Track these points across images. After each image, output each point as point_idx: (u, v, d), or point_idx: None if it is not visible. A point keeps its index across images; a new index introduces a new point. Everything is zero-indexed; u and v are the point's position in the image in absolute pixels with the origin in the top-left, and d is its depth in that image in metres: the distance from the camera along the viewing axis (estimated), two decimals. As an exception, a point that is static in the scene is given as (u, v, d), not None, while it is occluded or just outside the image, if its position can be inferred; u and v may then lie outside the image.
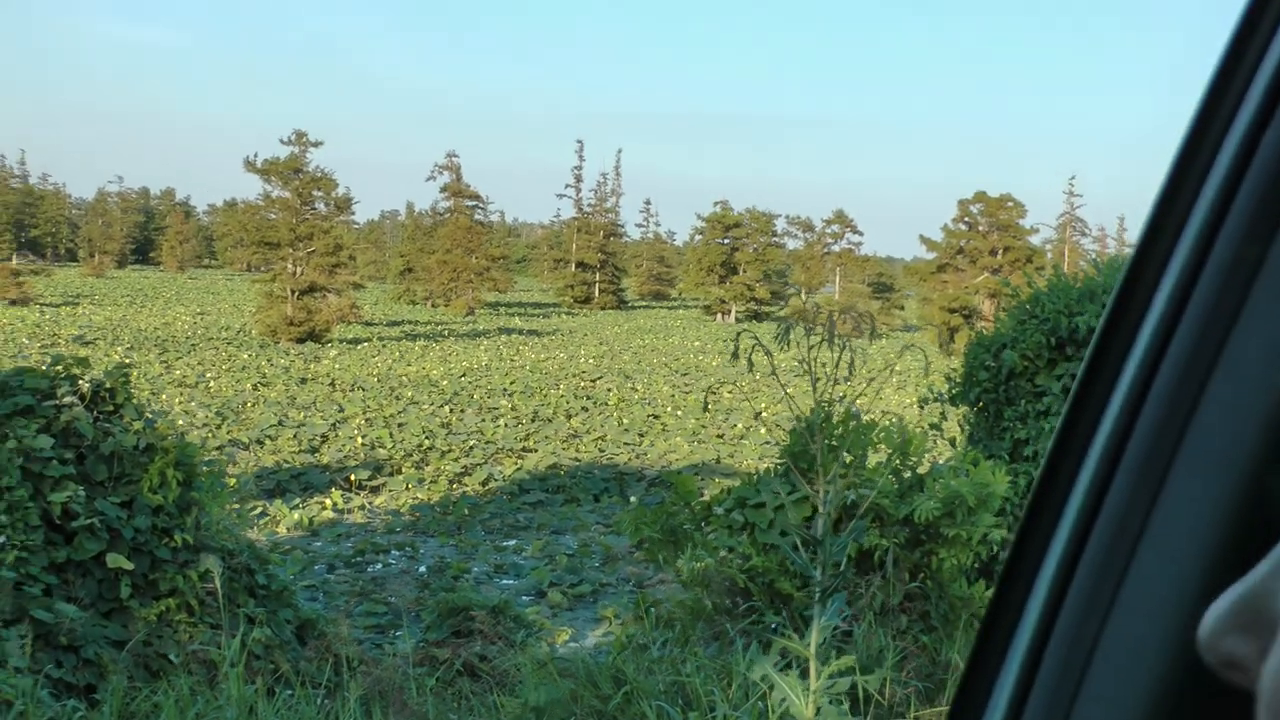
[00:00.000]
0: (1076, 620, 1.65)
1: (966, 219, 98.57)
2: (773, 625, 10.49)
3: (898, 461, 11.29)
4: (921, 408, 15.80)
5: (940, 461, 12.79)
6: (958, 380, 16.36)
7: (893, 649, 9.92)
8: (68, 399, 12.47)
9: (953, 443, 15.13)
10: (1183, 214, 1.57)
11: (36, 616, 10.98)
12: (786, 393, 6.98)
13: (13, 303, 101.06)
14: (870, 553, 11.08)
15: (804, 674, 6.48)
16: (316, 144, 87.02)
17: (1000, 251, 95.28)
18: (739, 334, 6.32)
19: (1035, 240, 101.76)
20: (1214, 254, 1.53)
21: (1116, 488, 1.61)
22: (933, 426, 15.60)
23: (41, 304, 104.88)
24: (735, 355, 6.01)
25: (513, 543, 29.75)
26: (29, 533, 11.62)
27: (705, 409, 51.49)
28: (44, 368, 12.88)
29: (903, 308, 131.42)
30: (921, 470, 11.75)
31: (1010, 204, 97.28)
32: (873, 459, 11.84)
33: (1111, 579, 1.62)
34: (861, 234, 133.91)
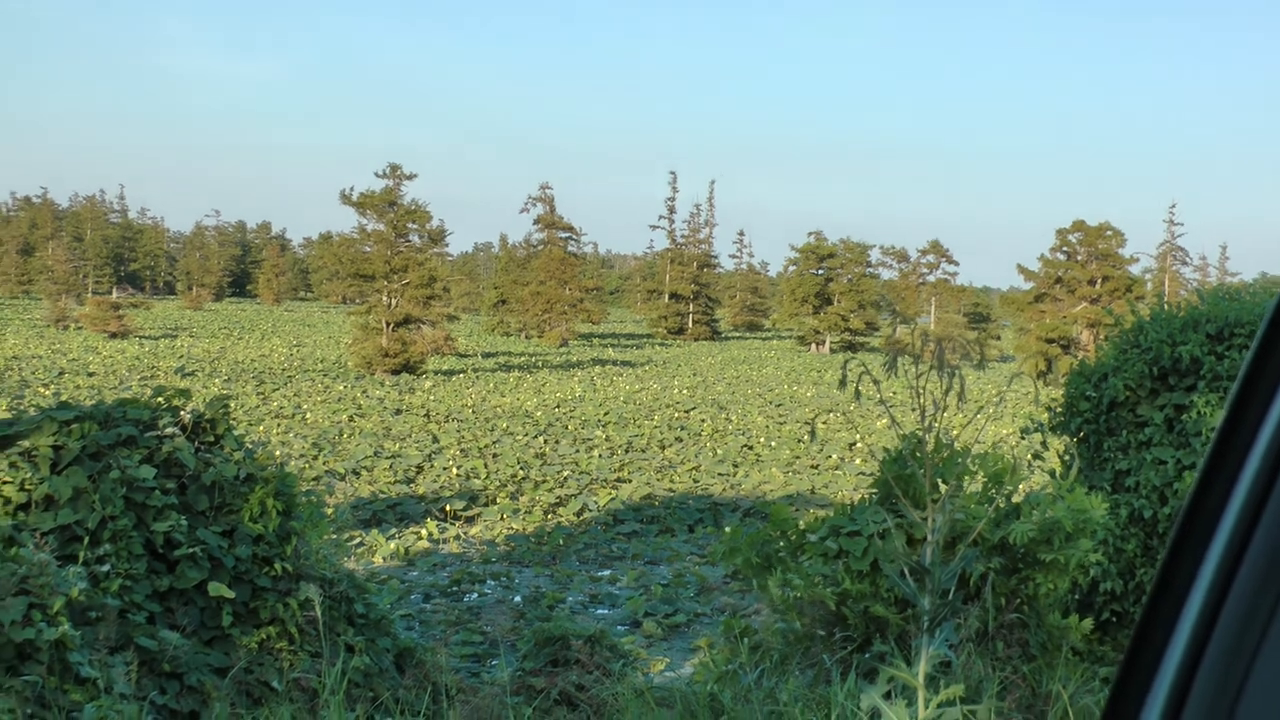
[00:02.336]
0: (1232, 637, 1.63)
1: (1065, 248, 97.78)
2: (878, 653, 10.44)
3: (993, 490, 11.21)
4: (1022, 437, 15.62)
5: (1035, 491, 12.69)
6: (1058, 410, 16.21)
7: (994, 679, 9.84)
8: (169, 430, 12.60)
9: (1053, 474, 14.95)
10: None
11: (141, 644, 11.08)
12: (895, 421, 6.96)
13: (113, 336, 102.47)
14: (967, 579, 11.01)
15: (909, 704, 6.43)
16: (410, 176, 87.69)
17: (1099, 281, 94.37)
18: (845, 362, 6.30)
19: (1135, 269, 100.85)
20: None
21: (1272, 507, 1.60)
22: (1034, 456, 15.44)
23: (141, 336, 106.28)
24: (843, 384, 5.99)
25: (607, 573, 29.78)
26: (133, 561, 11.75)
27: (812, 438, 51.30)
28: (146, 399, 13.03)
29: (999, 338, 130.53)
30: (1017, 499, 11.66)
31: (1109, 233, 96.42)
32: (970, 488, 11.76)
33: (1269, 600, 1.60)
34: (957, 264, 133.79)
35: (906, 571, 6.30)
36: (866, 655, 10.63)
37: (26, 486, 11.73)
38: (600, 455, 47.89)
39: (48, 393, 58.41)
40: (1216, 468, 1.70)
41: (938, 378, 5.71)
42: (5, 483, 11.70)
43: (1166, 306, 16.31)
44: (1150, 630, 1.76)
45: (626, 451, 49.47)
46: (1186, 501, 1.74)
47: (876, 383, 5.87)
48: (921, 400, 5.98)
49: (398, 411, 59.68)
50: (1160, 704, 1.70)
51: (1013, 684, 10.12)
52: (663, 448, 51.00)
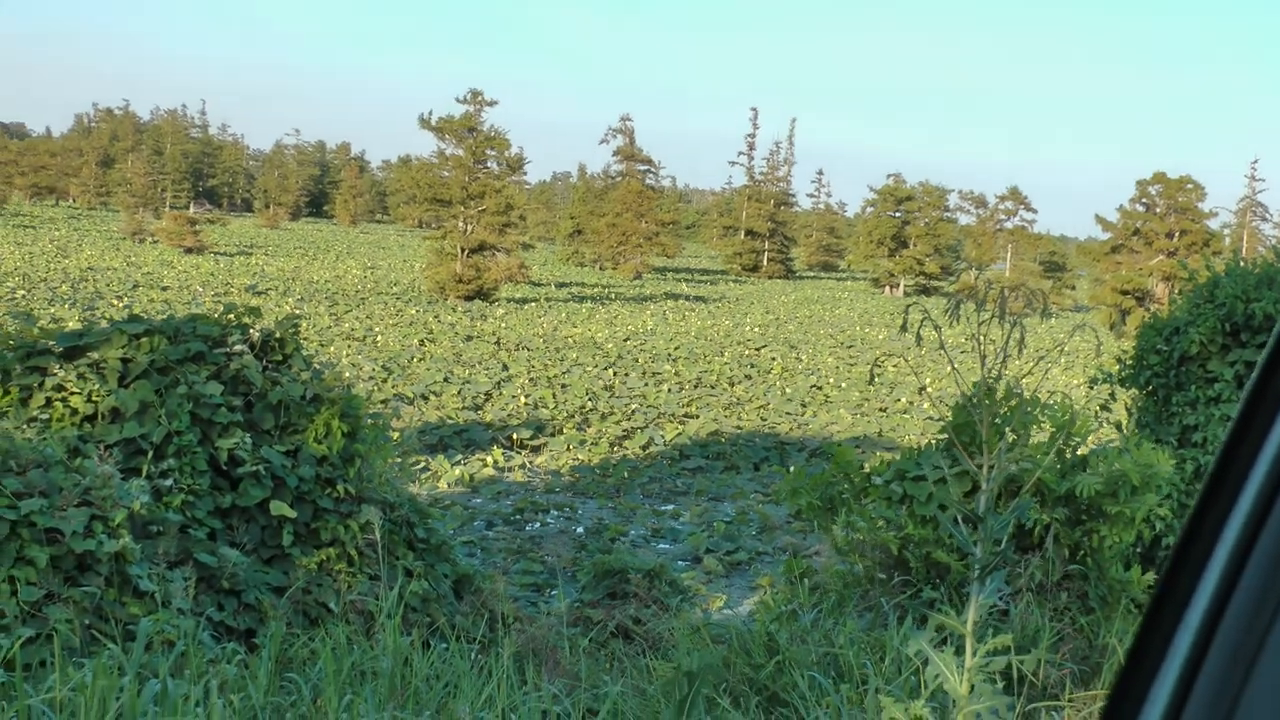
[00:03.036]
0: (1248, 611, 1.62)
1: (1144, 200, 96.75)
2: (924, 599, 10.42)
3: (1061, 440, 11.13)
4: (1090, 388, 15.51)
5: (1102, 444, 12.60)
6: (1128, 363, 16.07)
7: (1049, 629, 9.80)
8: (238, 347, 12.67)
9: (1118, 426, 14.83)
10: None
11: (200, 560, 11.19)
12: (954, 367, 6.90)
13: (189, 251, 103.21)
14: (1030, 530, 10.95)
15: (959, 651, 6.42)
16: (491, 103, 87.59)
17: (1177, 234, 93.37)
18: (907, 307, 6.26)
19: (1214, 224, 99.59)
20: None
21: (1276, 513, 1.58)
22: (1101, 408, 15.36)
23: (216, 253, 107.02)
24: (904, 328, 5.96)
25: (670, 507, 29.83)
26: (196, 477, 11.85)
27: (870, 382, 51.11)
28: (216, 316, 13.10)
29: (1074, 287, 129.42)
30: (1083, 451, 11.58)
31: (1189, 186, 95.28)
32: (1036, 438, 11.69)
33: (1270, 605, 1.59)
34: (1035, 211, 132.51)
35: (960, 519, 6.27)
36: (922, 600, 10.61)
37: (93, 398, 11.85)
38: (669, 390, 47.91)
39: (120, 305, 58.93)
40: (1223, 472, 1.68)
41: (1000, 326, 5.67)
42: (73, 394, 11.82)
43: (1243, 262, 16.12)
44: (1154, 630, 1.75)
45: (695, 387, 49.47)
46: (1195, 504, 1.72)
47: (937, 328, 5.82)
48: (981, 347, 5.93)
49: (469, 338, 59.88)
50: (1161, 706, 1.69)
51: (1068, 635, 10.08)
52: (731, 384, 50.95)
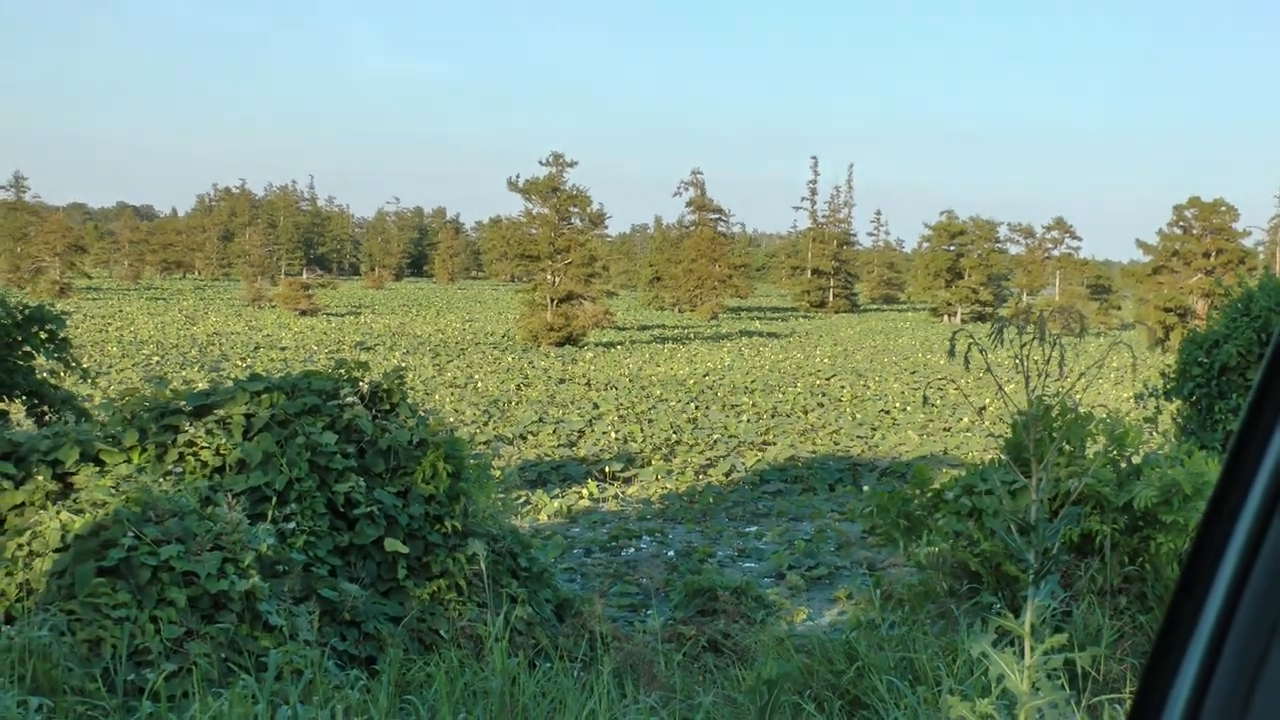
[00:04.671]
0: (1260, 598, 1.62)
1: (1181, 223, 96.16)
2: (991, 605, 10.35)
3: (1114, 452, 11.05)
4: (1137, 402, 15.43)
5: (1153, 452, 12.51)
6: (1172, 376, 15.98)
7: (1109, 628, 9.71)
8: (349, 399, 12.79)
9: (1165, 435, 14.75)
10: None
11: (323, 595, 11.27)
12: (1001, 388, 6.89)
13: (303, 313, 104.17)
14: (1091, 537, 10.88)
15: (1021, 651, 6.39)
16: (572, 164, 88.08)
17: (1213, 254, 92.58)
18: (954, 333, 6.27)
19: (1247, 243, 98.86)
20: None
21: None
22: (1147, 420, 15.25)
23: (328, 314, 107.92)
24: (951, 353, 5.97)
25: (754, 529, 29.74)
26: (316, 519, 11.96)
27: (925, 404, 50.88)
28: (328, 371, 13.23)
29: (1120, 308, 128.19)
30: (1136, 460, 11.49)
31: (1223, 208, 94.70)
32: (1091, 450, 11.60)
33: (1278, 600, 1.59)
34: (1080, 239, 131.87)
35: (1015, 528, 6.25)
36: (987, 606, 10.55)
37: (221, 451, 11.99)
38: (747, 420, 47.81)
39: (242, 366, 59.56)
40: (1234, 471, 1.68)
41: (1042, 348, 5.68)
42: (202, 448, 11.96)
43: (1274, 277, 16.02)
44: (1174, 628, 1.75)
45: (772, 416, 49.33)
46: (1208, 505, 1.72)
47: (983, 351, 5.83)
48: (1025, 368, 5.92)
49: (561, 380, 60.05)
50: (1183, 700, 1.69)
51: (1128, 633, 9.98)
52: (805, 413, 50.80)
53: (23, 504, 10.82)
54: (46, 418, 16.05)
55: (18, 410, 16.43)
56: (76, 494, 10.83)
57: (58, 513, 10.31)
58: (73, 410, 16.00)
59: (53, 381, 16.78)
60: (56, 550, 9.98)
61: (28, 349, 16.38)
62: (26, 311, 16.71)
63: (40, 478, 11.00)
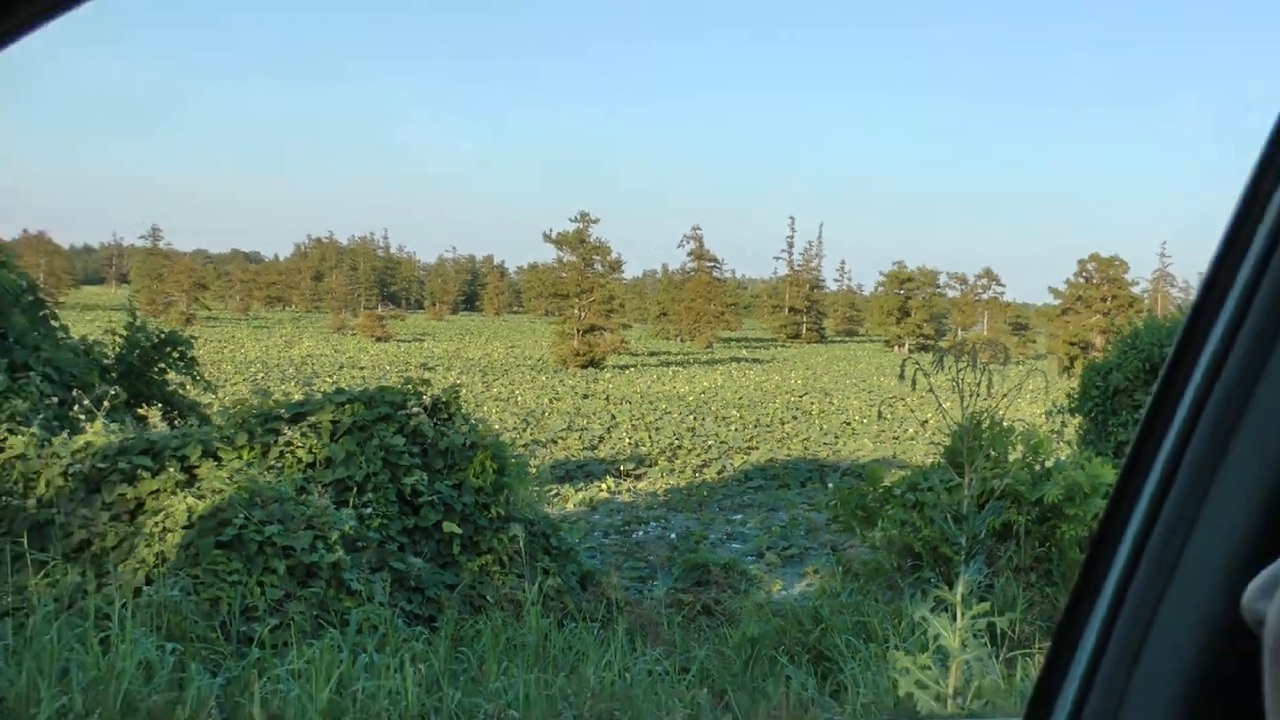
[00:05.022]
0: (1146, 581, 1.65)
1: (1084, 274, 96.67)
2: (930, 579, 10.38)
3: (1030, 458, 11.09)
4: (1048, 417, 15.49)
5: (1060, 459, 12.55)
6: (1075, 397, 16.08)
7: (1023, 598, 9.75)
8: (415, 409, 12.83)
9: (1070, 444, 14.80)
10: (1234, 266, 1.57)
11: (394, 566, 11.33)
12: (941, 405, 6.96)
13: (378, 339, 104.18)
14: (1010, 526, 10.92)
15: (954, 616, 6.45)
16: (595, 221, 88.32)
17: (1109, 299, 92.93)
18: (903, 361, 6.34)
19: (1136, 290, 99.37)
20: (1255, 305, 1.54)
21: (1177, 488, 1.60)
22: (1055, 432, 15.31)
23: (398, 340, 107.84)
24: (901, 377, 6.05)
25: (739, 517, 29.68)
26: (388, 506, 12.01)
27: (879, 417, 50.84)
28: (398, 387, 13.29)
29: (1035, 341, 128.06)
30: (1047, 465, 11.53)
31: (1117, 262, 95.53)
32: (1011, 456, 11.64)
33: (1169, 563, 1.62)
34: (1004, 285, 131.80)
35: (951, 518, 6.31)
36: (931, 581, 10.59)
37: (313, 450, 12.05)
38: (735, 429, 47.73)
39: (329, 382, 59.57)
40: (1130, 473, 1.70)
41: (974, 373, 5.76)
42: (298, 447, 12.02)
43: (1156, 319, 16.13)
44: (1081, 596, 1.75)
45: (755, 426, 49.23)
46: (1109, 500, 1.74)
47: (927, 375, 5.91)
48: (960, 389, 5.99)
49: (585, 396, 59.98)
50: (1087, 653, 1.71)
51: (1038, 601, 10.01)
52: (782, 424, 50.68)
53: (158, 490, 10.89)
54: (176, 422, 16.11)
55: (154, 415, 16.50)
56: (199, 483, 10.90)
57: (185, 498, 10.39)
58: (196, 416, 16.07)
59: (181, 392, 16.84)
60: (184, 527, 10.06)
61: (162, 366, 16.47)
62: (161, 336, 16.82)
63: (171, 470, 11.07)
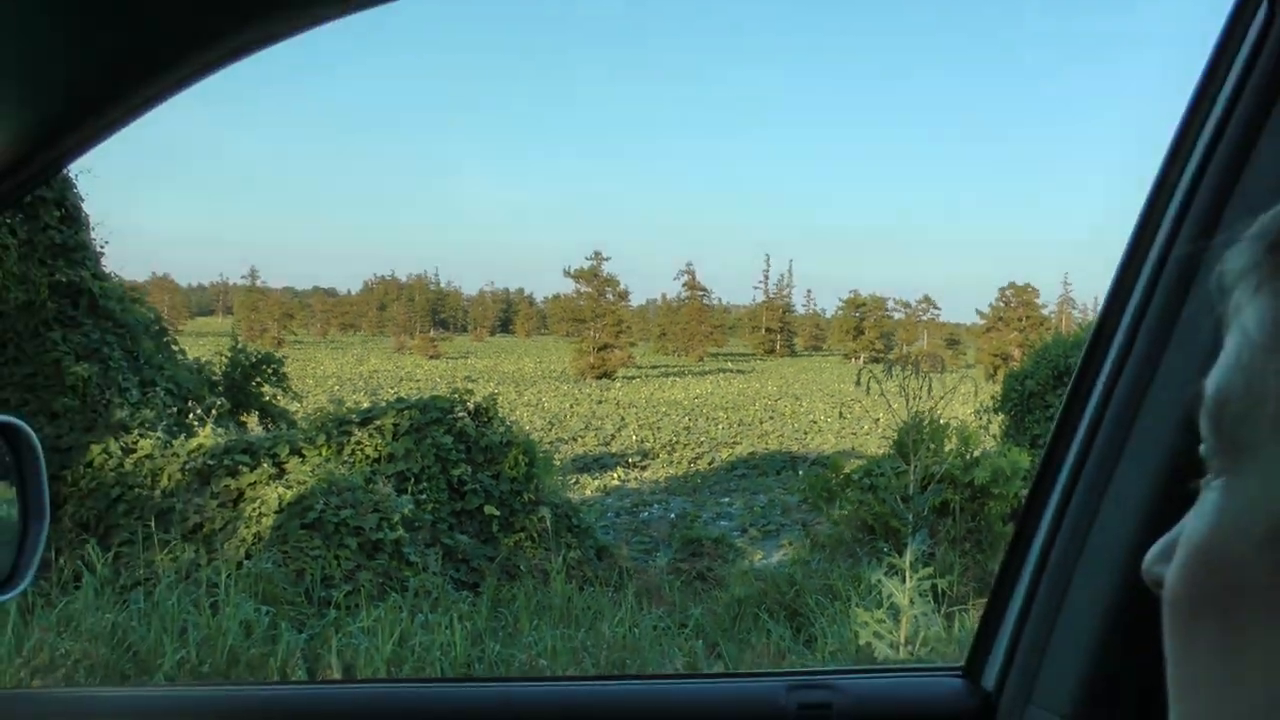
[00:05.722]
0: (1059, 563, 1.63)
1: (1004, 299, 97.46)
2: (883, 549, 10.34)
3: (963, 449, 11.06)
4: (977, 416, 15.50)
5: (988, 449, 12.54)
6: (998, 399, 16.09)
7: (959, 564, 9.71)
8: (461, 414, 12.84)
9: (994, 438, 14.80)
10: (1130, 285, 1.57)
11: (444, 542, 11.32)
12: (890, 406, 6.95)
13: (431, 358, 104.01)
14: (948, 504, 10.88)
15: (903, 579, 6.44)
16: (606, 259, 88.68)
17: (1024, 319, 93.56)
18: (859, 371, 6.34)
19: (1046, 311, 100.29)
20: (1146, 318, 1.53)
21: (1087, 471, 1.60)
22: (982, 428, 15.31)
23: (447, 358, 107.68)
24: (858, 384, 6.06)
25: (727, 499, 29.56)
26: (439, 493, 12.00)
27: (840, 417, 50.82)
28: (447, 395, 13.30)
29: (966, 354, 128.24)
30: (977, 454, 11.52)
31: (1030, 289, 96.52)
32: (948, 446, 11.62)
33: (1082, 533, 1.61)
34: (940, 308, 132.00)
35: (899, 498, 6.28)
36: (884, 550, 10.55)
37: (378, 448, 12.05)
38: (723, 427, 47.60)
39: (391, 392, 59.46)
40: (1048, 461, 1.70)
41: (917, 380, 5.76)
42: (366, 446, 12.03)
43: (1061, 335, 16.20)
44: (1010, 561, 1.76)
45: (739, 425, 49.07)
46: (1033, 481, 1.74)
47: (879, 382, 5.90)
48: (906, 393, 5.98)
49: (599, 402, 59.90)
50: (1015, 610, 1.71)
51: (971, 566, 9.97)
52: (761, 423, 50.53)
53: (255, 482, 10.90)
54: (269, 426, 16.11)
55: (252, 421, 16.51)
56: (288, 476, 10.90)
57: (276, 488, 10.39)
58: (285, 421, 16.07)
59: (274, 402, 16.84)
60: (275, 512, 10.07)
61: (258, 381, 16.49)
62: (258, 357, 16.89)
63: (265, 465, 11.07)
